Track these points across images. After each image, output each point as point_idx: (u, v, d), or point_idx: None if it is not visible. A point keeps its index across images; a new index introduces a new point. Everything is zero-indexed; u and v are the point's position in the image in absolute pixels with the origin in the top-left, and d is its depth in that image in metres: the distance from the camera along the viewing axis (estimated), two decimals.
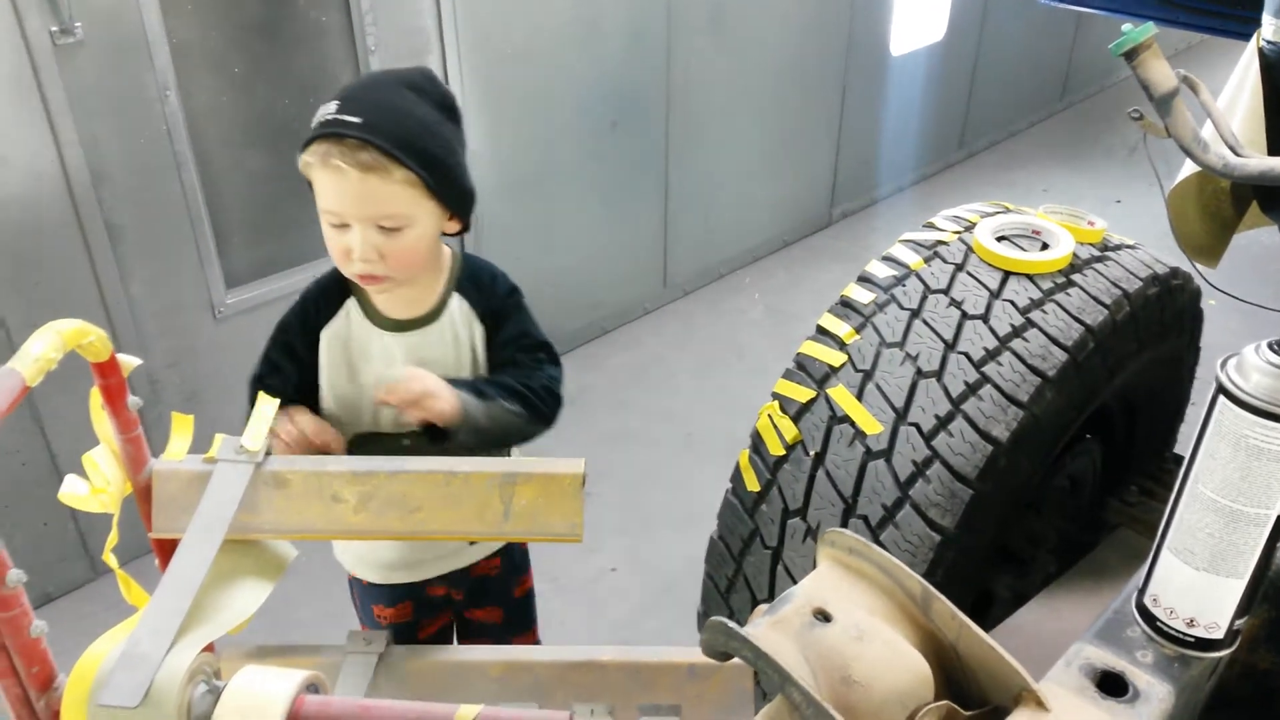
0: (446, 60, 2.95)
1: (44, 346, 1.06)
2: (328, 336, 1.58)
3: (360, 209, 1.44)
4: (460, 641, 1.92)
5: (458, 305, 1.60)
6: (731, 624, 0.92)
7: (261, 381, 1.58)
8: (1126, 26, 2.18)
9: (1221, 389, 0.89)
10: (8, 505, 2.50)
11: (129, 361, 1.21)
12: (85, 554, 2.68)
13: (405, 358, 1.57)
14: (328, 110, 1.43)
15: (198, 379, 2.75)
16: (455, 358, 1.60)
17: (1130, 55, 2.15)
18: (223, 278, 2.71)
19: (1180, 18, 3.49)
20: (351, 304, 1.58)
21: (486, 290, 1.62)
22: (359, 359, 1.59)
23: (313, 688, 1.04)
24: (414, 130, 1.45)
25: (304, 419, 1.51)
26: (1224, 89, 2.72)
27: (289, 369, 1.58)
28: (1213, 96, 2.33)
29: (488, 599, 1.84)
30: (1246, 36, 2.93)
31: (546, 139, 3.32)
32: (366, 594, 1.83)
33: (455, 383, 1.48)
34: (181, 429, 1.31)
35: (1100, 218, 1.88)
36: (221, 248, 2.69)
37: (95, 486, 1.24)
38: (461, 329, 1.60)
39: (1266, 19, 2.43)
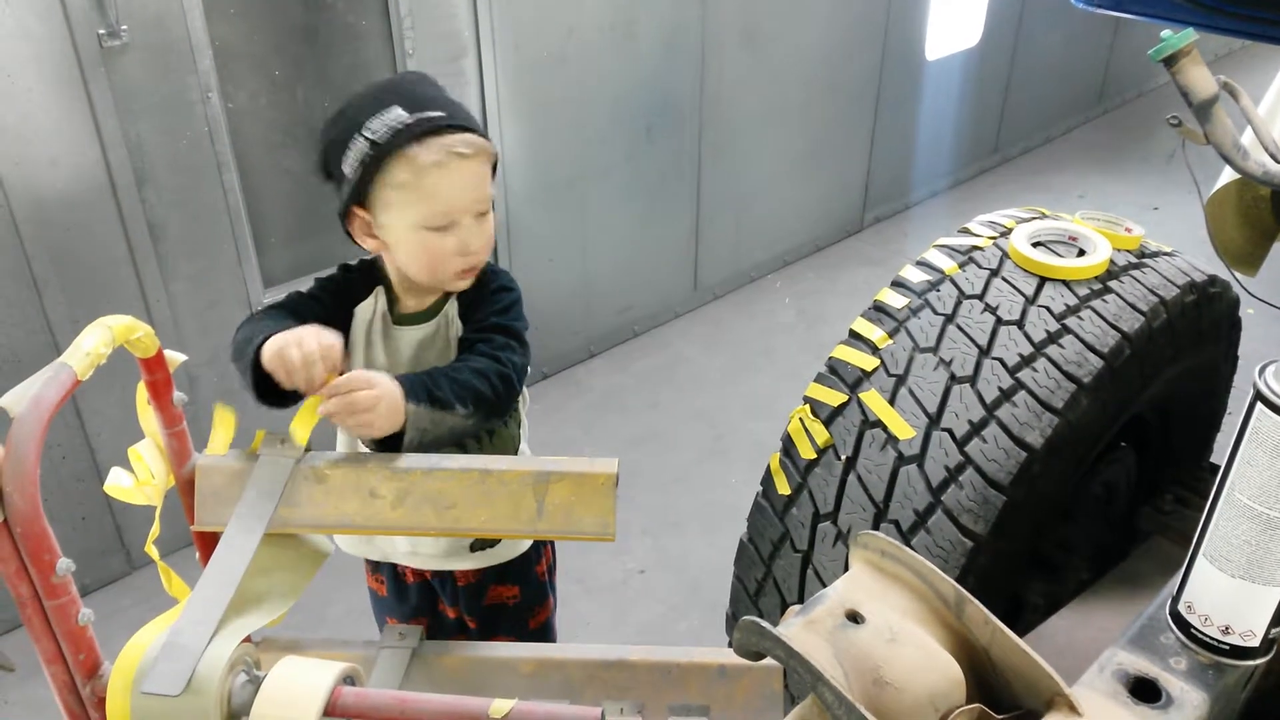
0: (483, 64, 2.97)
1: (95, 341, 1.09)
2: (360, 315, 1.58)
3: (471, 196, 1.46)
4: None
5: (451, 303, 1.59)
6: (764, 623, 0.93)
7: (283, 309, 1.55)
8: (1166, 33, 2.17)
9: (1260, 396, 0.89)
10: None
11: (175, 357, 1.24)
12: (122, 547, 2.73)
13: (408, 351, 1.58)
14: (396, 115, 1.41)
15: (235, 376, 2.78)
16: (449, 356, 1.57)
17: (1169, 61, 2.14)
18: (260, 276, 2.75)
19: (1220, 23, 3.46)
20: (379, 292, 1.59)
21: (476, 285, 1.58)
22: (372, 345, 1.59)
23: (349, 680, 1.06)
24: (470, 112, 1.51)
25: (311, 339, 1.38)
26: (1265, 95, 2.69)
27: (312, 313, 1.54)
28: (1253, 103, 2.31)
29: (500, 629, 1.78)
30: None
31: (581, 143, 3.34)
32: (382, 606, 1.84)
33: (409, 380, 1.39)
34: (224, 423, 1.33)
35: (1138, 224, 1.88)
36: (260, 247, 2.73)
37: (140, 479, 1.27)
38: (454, 325, 1.59)
39: None
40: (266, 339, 1.39)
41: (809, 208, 4.35)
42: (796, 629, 0.97)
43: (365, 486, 1.27)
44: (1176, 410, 1.97)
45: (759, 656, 0.98)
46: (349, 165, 1.44)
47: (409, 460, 1.28)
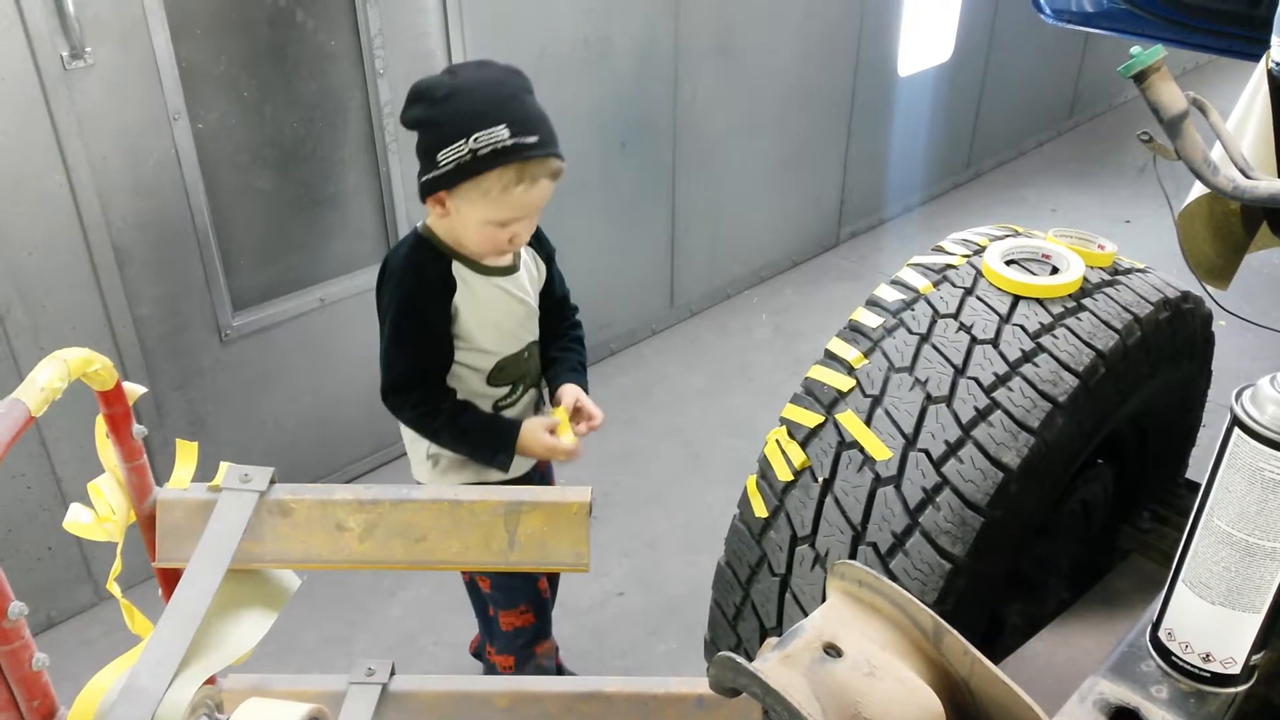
0: None
1: (49, 376, 1.06)
2: (461, 297, 1.84)
3: (537, 207, 1.79)
4: None
5: (527, 254, 1.97)
6: (740, 660, 0.91)
7: (428, 363, 1.89)
8: (1135, 49, 2.18)
9: (1236, 421, 0.88)
10: (12, 529, 2.49)
11: (134, 390, 1.21)
12: (89, 578, 2.67)
13: (505, 296, 1.90)
14: (500, 135, 1.66)
15: (204, 402, 2.75)
16: (533, 295, 1.97)
17: (1139, 78, 2.14)
18: (229, 300, 2.71)
19: (1189, 38, 3.49)
20: (456, 265, 1.84)
21: (541, 240, 2.02)
22: (480, 302, 1.86)
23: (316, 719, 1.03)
24: (553, 129, 1.77)
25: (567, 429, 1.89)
26: (1233, 110, 2.71)
27: (443, 340, 1.86)
28: (1222, 118, 2.33)
29: None
30: (1255, 57, 2.92)
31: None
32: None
33: (577, 376, 2.00)
34: (186, 457, 1.30)
35: (1110, 240, 1.88)
36: (228, 270, 2.69)
37: (100, 515, 1.23)
38: (534, 271, 1.98)
39: (1276, 41, 2.42)
40: (508, 426, 1.90)
41: (785, 223, 4.35)
42: (773, 664, 0.95)
43: (332, 519, 1.24)
44: (1153, 426, 1.97)
45: (735, 693, 0.96)
46: (445, 159, 1.69)
47: (376, 491, 1.25)
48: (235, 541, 1.20)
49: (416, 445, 2.02)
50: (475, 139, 1.65)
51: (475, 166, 1.67)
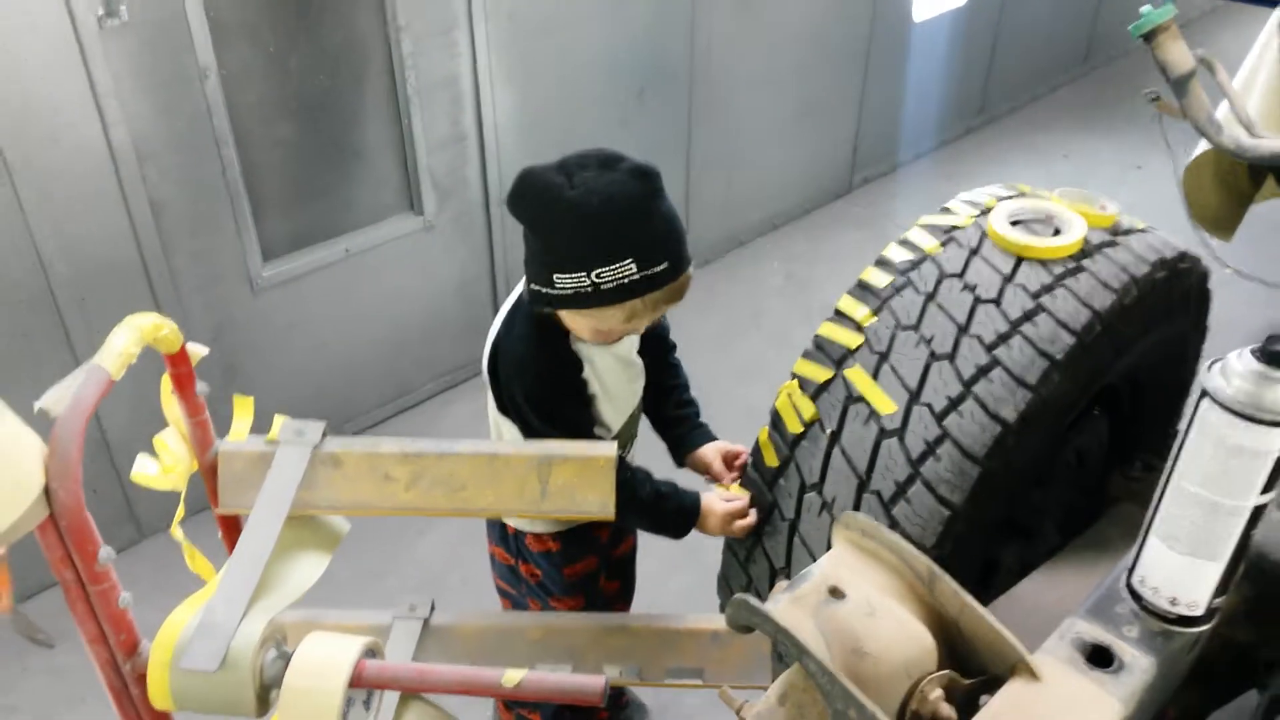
0: (475, 32, 3.00)
1: (124, 341, 1.16)
2: (587, 373, 1.74)
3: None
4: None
5: None
6: (754, 601, 1.02)
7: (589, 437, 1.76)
8: (1146, 8, 2.23)
9: (1205, 392, 0.97)
10: None
11: (197, 351, 1.31)
12: (133, 518, 2.81)
13: (618, 363, 1.78)
14: (626, 271, 1.52)
15: (236, 349, 2.86)
16: (638, 360, 1.85)
17: (1149, 37, 2.20)
18: (259, 250, 2.81)
19: None
20: (575, 345, 1.72)
21: None
22: (599, 373, 1.76)
23: (371, 653, 1.15)
24: (683, 232, 1.64)
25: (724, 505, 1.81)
26: (1241, 66, 2.75)
27: (587, 411, 1.77)
28: (1229, 75, 2.38)
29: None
30: (1271, 3, 2.94)
31: (573, 108, 3.38)
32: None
33: (707, 433, 1.97)
34: (243, 411, 1.41)
35: (1120, 190, 1.94)
36: (258, 221, 2.78)
37: (165, 466, 1.34)
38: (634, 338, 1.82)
39: None
40: (685, 495, 1.81)
41: (798, 171, 4.40)
42: (784, 605, 1.06)
43: (380, 470, 1.35)
44: (1147, 379, 2.05)
45: (749, 630, 1.07)
46: (562, 284, 1.55)
47: (420, 444, 1.36)
48: (293, 491, 1.31)
49: None
50: (599, 274, 1.52)
51: (596, 300, 1.54)
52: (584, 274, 1.52)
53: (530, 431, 1.71)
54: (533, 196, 1.56)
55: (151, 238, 2.57)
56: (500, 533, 2.00)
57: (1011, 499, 1.75)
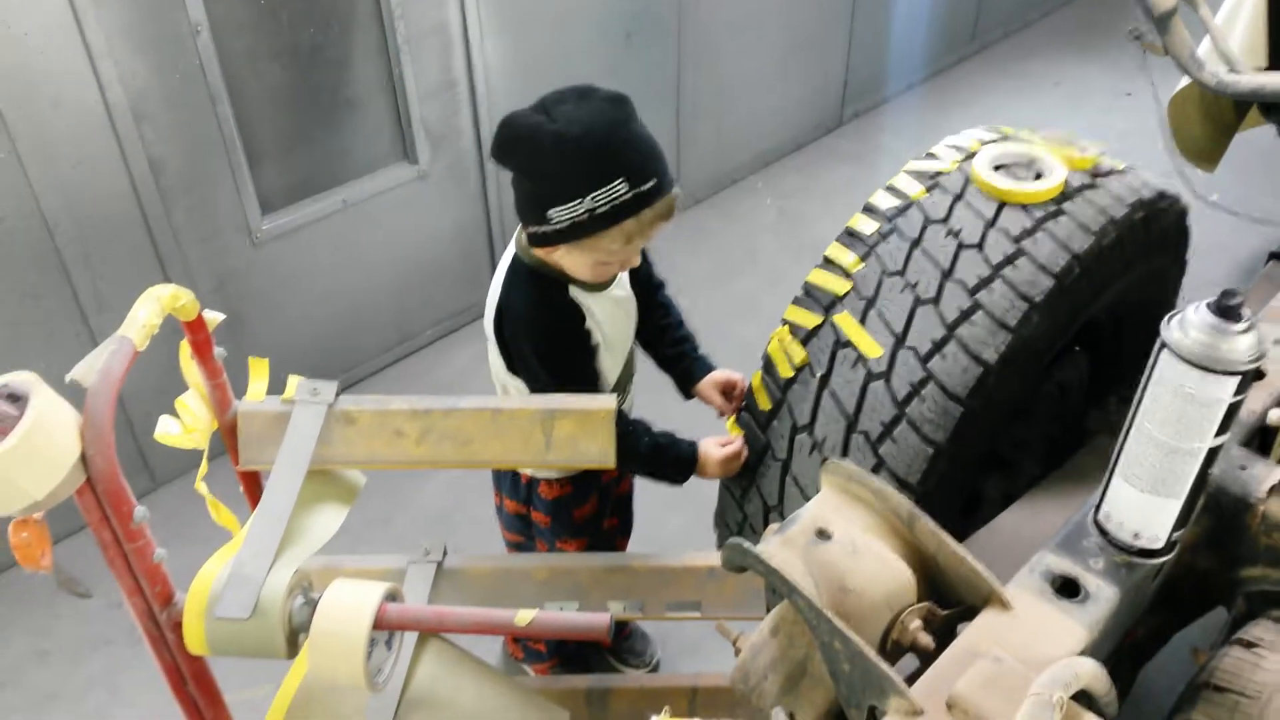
0: None
1: (148, 313, 1.22)
2: (591, 325, 1.79)
3: (652, 242, 1.74)
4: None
5: None
6: (747, 544, 1.10)
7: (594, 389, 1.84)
8: None
9: (1164, 343, 1.04)
10: None
11: (214, 317, 1.38)
12: (146, 467, 2.89)
13: (614, 306, 1.84)
14: (618, 192, 1.56)
15: (239, 301, 2.91)
16: (631, 297, 1.90)
17: None
18: (258, 203, 2.84)
19: None
20: (574, 290, 1.77)
21: None
22: (599, 321, 1.81)
23: (392, 597, 1.24)
24: (661, 151, 1.66)
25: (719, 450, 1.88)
26: (1222, 5, 2.77)
27: (592, 362, 1.83)
28: (1211, 11, 2.40)
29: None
30: None
31: (563, 53, 3.39)
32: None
33: (706, 364, 2.05)
34: (259, 373, 1.48)
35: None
36: (255, 175, 2.81)
37: (187, 426, 1.42)
38: (625, 276, 1.87)
39: None
40: (683, 445, 1.89)
41: (788, 107, 4.40)
42: (774, 546, 1.14)
43: (391, 426, 1.42)
44: (1127, 315, 2.12)
45: (743, 570, 1.15)
46: (558, 217, 1.59)
47: (428, 401, 1.43)
48: (311, 447, 1.39)
49: None
50: (593, 199, 1.56)
51: (593, 226, 1.59)
52: (579, 200, 1.57)
53: (541, 388, 1.75)
54: (518, 139, 1.59)
55: (152, 194, 2.60)
56: (512, 482, 2.08)
57: (993, 435, 1.83)
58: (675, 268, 3.85)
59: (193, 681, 1.31)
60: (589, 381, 1.82)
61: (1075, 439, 2.07)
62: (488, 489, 2.22)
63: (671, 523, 2.76)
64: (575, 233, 1.61)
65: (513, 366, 1.81)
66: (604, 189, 1.56)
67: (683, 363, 2.05)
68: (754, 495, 1.93)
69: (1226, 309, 1.00)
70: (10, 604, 2.64)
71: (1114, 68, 5.06)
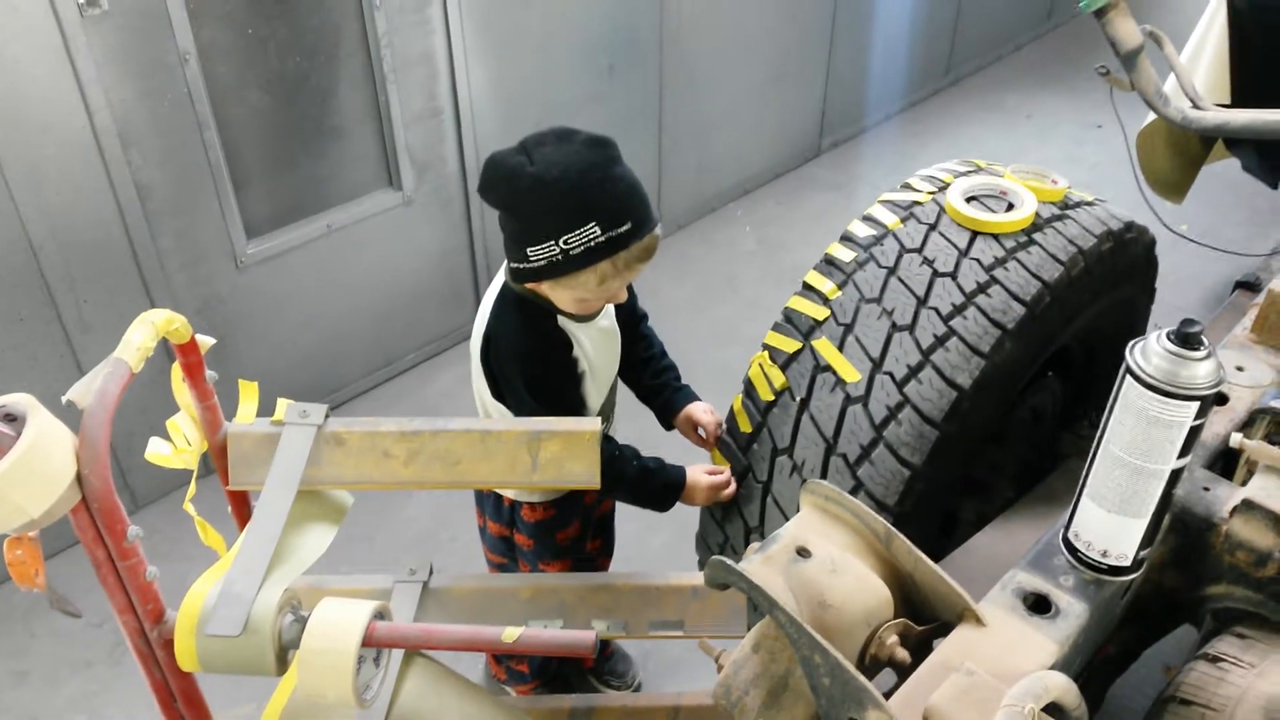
0: (448, 9, 3.05)
1: (142, 336, 1.24)
2: (578, 354, 1.83)
3: (635, 280, 1.78)
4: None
5: None
6: (729, 561, 1.14)
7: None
8: None
9: (1128, 369, 1.09)
10: None
11: (205, 341, 1.40)
12: (127, 488, 2.89)
13: (600, 336, 1.87)
14: (591, 235, 1.60)
15: (224, 325, 2.93)
16: (615, 328, 1.93)
17: (1099, 13, 2.30)
18: (244, 228, 2.87)
19: None
20: (561, 319, 1.80)
21: None
22: (586, 352, 1.85)
23: (380, 615, 1.26)
24: (645, 194, 1.69)
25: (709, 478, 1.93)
26: (1190, 38, 2.86)
27: (578, 391, 1.86)
28: (1176, 49, 2.48)
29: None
30: None
31: (547, 82, 3.44)
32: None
33: (688, 395, 2.08)
34: (248, 395, 1.50)
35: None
36: (241, 201, 2.84)
37: (178, 447, 1.44)
38: (611, 308, 1.89)
39: None
40: (670, 470, 1.92)
41: (767, 136, 4.48)
42: (756, 564, 1.18)
43: (380, 448, 1.45)
44: (1098, 342, 2.18)
45: (725, 587, 1.18)
46: (535, 256, 1.64)
47: (417, 423, 1.46)
48: (300, 468, 1.41)
49: None
50: (565, 241, 1.60)
51: (567, 266, 1.62)
52: (552, 243, 1.61)
53: (526, 414, 1.76)
54: (498, 179, 1.65)
55: (138, 219, 2.62)
56: (495, 505, 2.10)
57: (968, 458, 1.88)
58: (657, 293, 3.91)
59: (181, 699, 1.32)
60: (574, 409, 1.84)
61: (1048, 463, 2.12)
62: (471, 509, 2.24)
63: (653, 543, 2.78)
64: (551, 271, 1.65)
65: (498, 392, 1.83)
66: (576, 232, 1.60)
67: (664, 394, 2.08)
68: (735, 516, 1.96)
69: (1187, 337, 1.05)
70: None
71: (1084, 100, 5.18)
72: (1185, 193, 3.21)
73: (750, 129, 4.35)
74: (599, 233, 1.61)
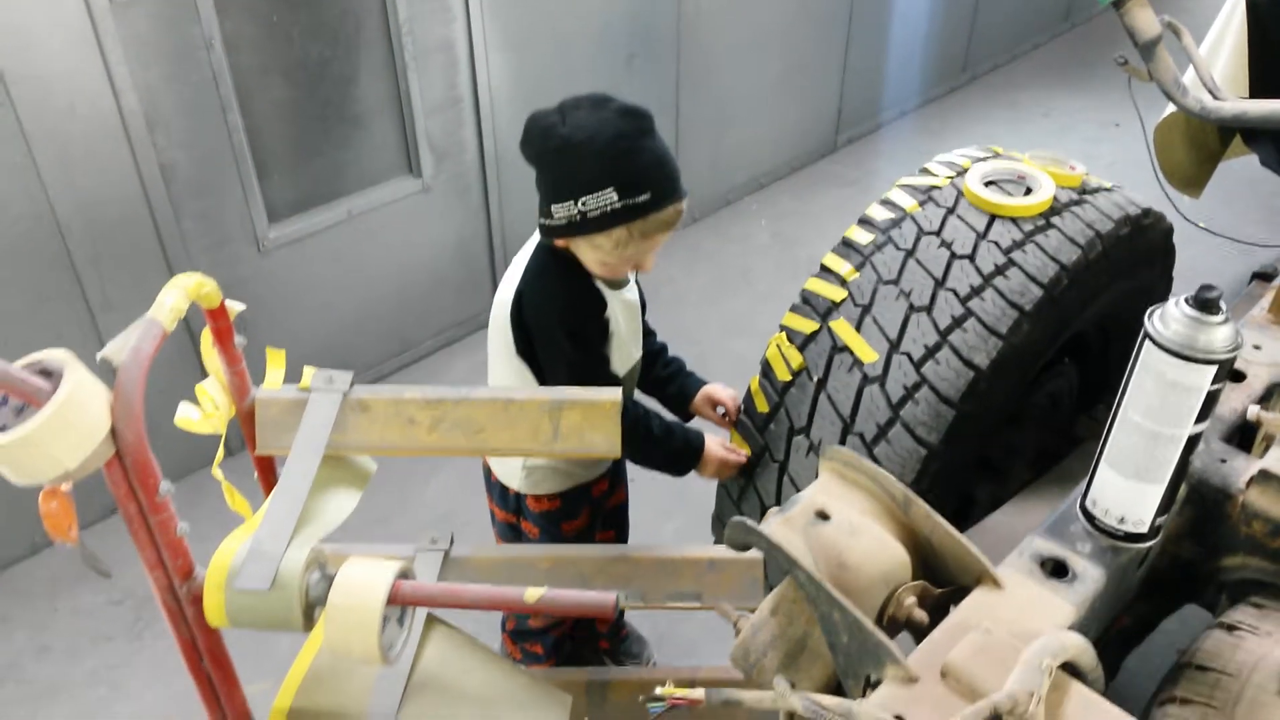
0: (469, 2, 3.08)
1: (174, 298, 1.27)
2: (610, 314, 1.86)
3: (656, 251, 1.80)
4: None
5: None
6: (750, 521, 1.15)
7: (599, 377, 1.85)
8: None
9: (1147, 334, 1.10)
10: None
11: (235, 307, 1.43)
12: None
13: (627, 309, 1.91)
14: (608, 199, 1.64)
15: (247, 308, 2.95)
16: (638, 304, 1.98)
17: (1118, 4, 2.31)
18: (265, 212, 2.90)
19: None
20: (596, 282, 1.84)
21: None
22: (614, 317, 1.87)
23: (405, 575, 1.28)
24: (673, 165, 1.73)
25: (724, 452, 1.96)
26: (1209, 31, 2.86)
27: (606, 353, 1.88)
28: (1195, 41, 2.49)
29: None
30: None
31: (566, 73, 3.47)
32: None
33: (698, 380, 2.10)
34: (276, 362, 1.52)
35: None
36: (264, 185, 2.87)
37: (206, 412, 1.46)
38: (634, 281, 1.96)
39: None
40: (691, 431, 1.95)
41: (784, 131, 4.49)
42: (776, 526, 1.19)
43: (404, 415, 1.47)
44: (1114, 328, 2.19)
45: (746, 548, 1.20)
46: (558, 213, 1.69)
47: (441, 391, 1.48)
48: (326, 433, 1.43)
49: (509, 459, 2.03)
50: (583, 203, 1.65)
51: (585, 227, 1.68)
52: (572, 202, 1.66)
53: (560, 368, 1.81)
54: (533, 136, 1.71)
55: (162, 201, 2.66)
56: (500, 494, 2.12)
57: (984, 440, 1.89)
58: (673, 284, 3.93)
59: (208, 657, 1.34)
60: (606, 364, 1.86)
61: (1065, 447, 2.13)
62: (484, 493, 2.26)
63: (667, 528, 2.80)
64: (570, 230, 1.70)
65: (525, 350, 1.84)
66: (594, 195, 1.65)
67: (678, 379, 2.11)
68: (751, 495, 1.98)
69: (1205, 302, 1.06)
70: (10, 599, 2.66)
71: (1101, 99, 5.18)
72: (1203, 187, 3.21)
73: (766, 123, 4.36)
74: (615, 198, 1.65)
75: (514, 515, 2.13)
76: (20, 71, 2.32)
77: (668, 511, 2.81)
